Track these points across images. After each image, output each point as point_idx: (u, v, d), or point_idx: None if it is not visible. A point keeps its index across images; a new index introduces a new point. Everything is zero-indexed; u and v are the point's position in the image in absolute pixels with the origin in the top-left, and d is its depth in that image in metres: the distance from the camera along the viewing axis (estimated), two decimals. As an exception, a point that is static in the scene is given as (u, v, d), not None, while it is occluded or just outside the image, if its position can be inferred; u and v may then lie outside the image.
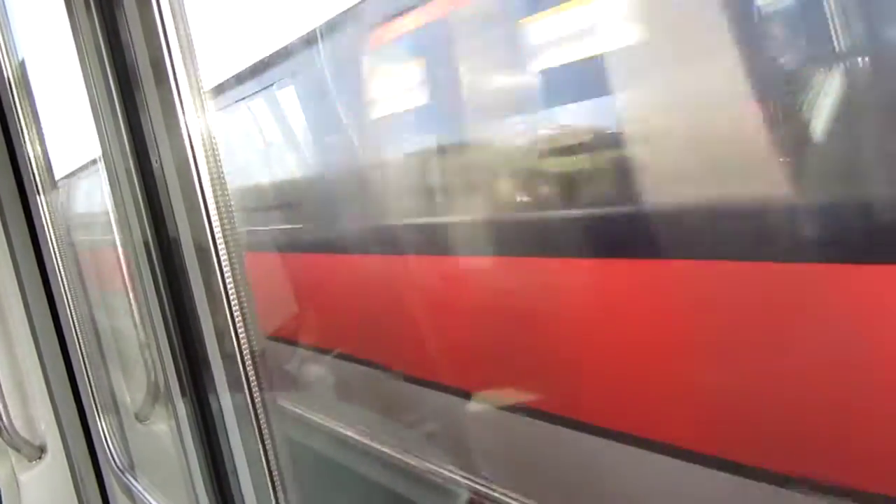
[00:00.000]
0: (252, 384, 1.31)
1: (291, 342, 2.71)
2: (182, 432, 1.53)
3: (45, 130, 2.28)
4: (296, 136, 2.74)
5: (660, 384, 1.47)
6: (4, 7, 2.24)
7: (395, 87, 1.92)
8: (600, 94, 1.41)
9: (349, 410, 2.59)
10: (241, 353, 1.30)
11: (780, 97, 1.19)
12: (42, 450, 2.45)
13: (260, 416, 1.33)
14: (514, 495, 1.81)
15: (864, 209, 1.10)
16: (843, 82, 1.09)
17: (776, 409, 1.27)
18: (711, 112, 1.23)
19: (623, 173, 1.38)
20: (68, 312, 2.34)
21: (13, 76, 2.22)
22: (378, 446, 2.34)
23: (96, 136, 1.50)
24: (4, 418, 2.31)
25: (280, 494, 1.39)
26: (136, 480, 2.26)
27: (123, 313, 2.13)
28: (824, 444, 1.23)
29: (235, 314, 1.27)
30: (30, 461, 2.44)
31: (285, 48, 2.44)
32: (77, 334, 2.35)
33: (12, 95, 2.21)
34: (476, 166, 1.72)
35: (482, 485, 1.90)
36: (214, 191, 1.23)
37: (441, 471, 2.04)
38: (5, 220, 2.31)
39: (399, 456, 2.22)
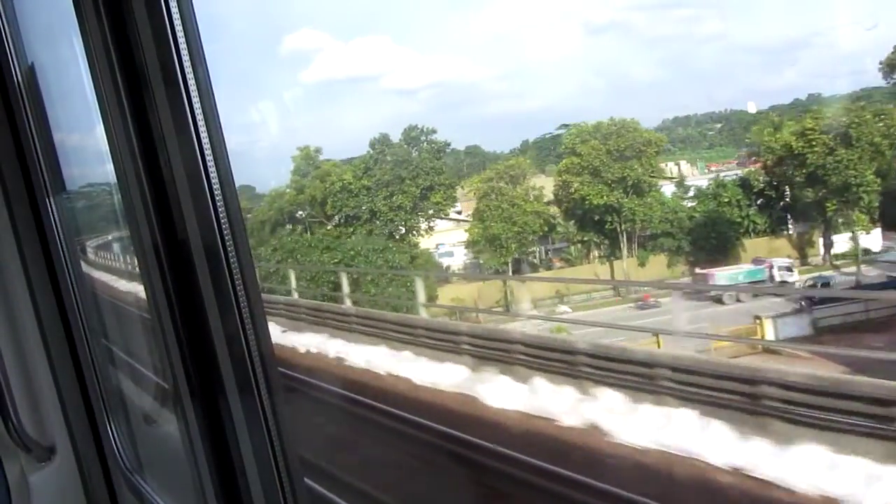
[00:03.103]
0: (261, 386, 1.31)
1: None
2: (191, 434, 1.53)
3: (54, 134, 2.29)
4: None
5: None
6: (14, 14, 2.26)
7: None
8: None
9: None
10: (250, 354, 1.30)
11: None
12: (51, 451, 2.46)
13: (269, 418, 1.33)
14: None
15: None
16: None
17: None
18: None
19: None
20: (77, 315, 2.35)
21: (23, 81, 2.23)
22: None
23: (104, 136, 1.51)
24: (14, 420, 2.32)
25: (289, 496, 1.38)
26: (144, 481, 2.27)
27: (133, 316, 2.13)
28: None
29: (245, 316, 1.27)
30: (39, 462, 2.45)
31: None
32: (86, 337, 2.36)
33: (22, 100, 2.22)
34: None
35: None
36: (224, 193, 1.23)
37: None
38: (15, 223, 2.33)
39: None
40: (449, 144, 29.92)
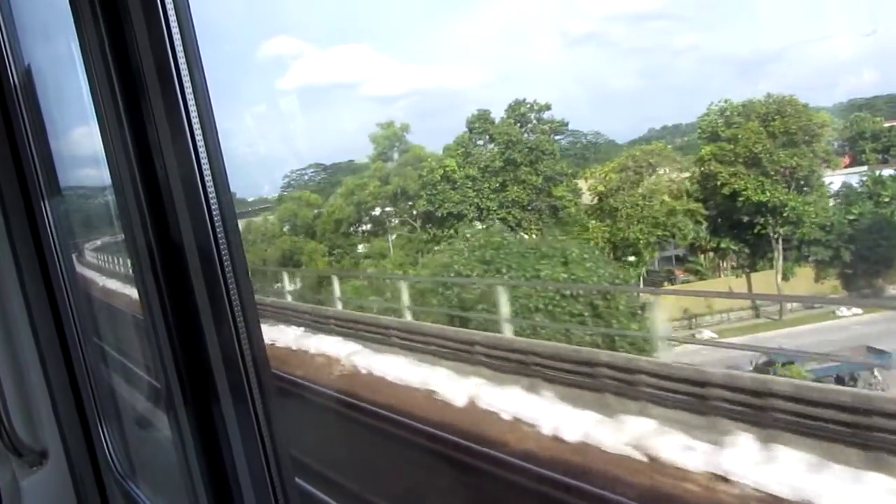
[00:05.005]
0: (254, 391, 1.30)
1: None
2: (184, 439, 1.52)
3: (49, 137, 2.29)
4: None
5: None
6: (11, 15, 2.25)
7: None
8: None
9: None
10: (243, 360, 1.29)
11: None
12: (43, 455, 2.44)
13: (262, 424, 1.33)
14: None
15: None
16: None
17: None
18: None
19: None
20: (71, 318, 2.34)
21: (19, 83, 2.23)
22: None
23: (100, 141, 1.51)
24: (6, 424, 2.31)
25: (281, 500, 1.38)
26: (136, 486, 2.25)
27: (126, 320, 2.12)
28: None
29: (238, 321, 1.26)
30: (31, 467, 2.43)
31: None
32: (80, 340, 2.35)
33: (18, 102, 2.22)
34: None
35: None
36: (219, 197, 1.23)
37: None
38: (9, 226, 2.32)
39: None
40: (566, 124, 22.73)
